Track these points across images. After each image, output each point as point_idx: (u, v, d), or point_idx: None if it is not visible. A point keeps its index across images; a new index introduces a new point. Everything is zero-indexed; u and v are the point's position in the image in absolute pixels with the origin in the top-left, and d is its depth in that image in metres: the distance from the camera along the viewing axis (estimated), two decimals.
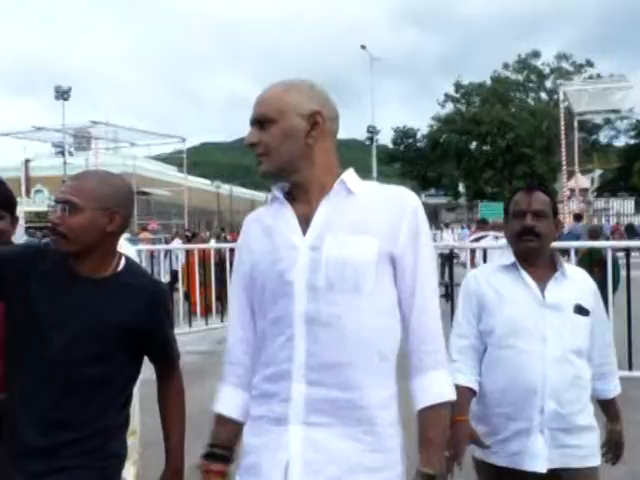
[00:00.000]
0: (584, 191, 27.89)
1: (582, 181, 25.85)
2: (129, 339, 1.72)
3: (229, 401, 1.50)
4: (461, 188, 43.82)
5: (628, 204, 33.92)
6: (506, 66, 45.83)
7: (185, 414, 1.90)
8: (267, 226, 1.46)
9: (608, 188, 41.32)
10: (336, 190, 1.40)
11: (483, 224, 11.24)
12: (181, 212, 29.76)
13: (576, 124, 21.05)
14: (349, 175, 1.43)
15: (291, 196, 1.46)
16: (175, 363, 1.89)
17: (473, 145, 42.72)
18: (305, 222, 1.40)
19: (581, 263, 6.23)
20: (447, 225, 17.76)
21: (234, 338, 1.52)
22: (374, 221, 1.37)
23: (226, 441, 1.47)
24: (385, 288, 1.38)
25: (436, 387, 1.38)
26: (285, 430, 1.35)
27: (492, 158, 40.86)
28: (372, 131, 28.82)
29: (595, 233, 8.05)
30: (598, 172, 42.54)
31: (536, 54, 45.52)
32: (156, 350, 1.84)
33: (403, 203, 1.40)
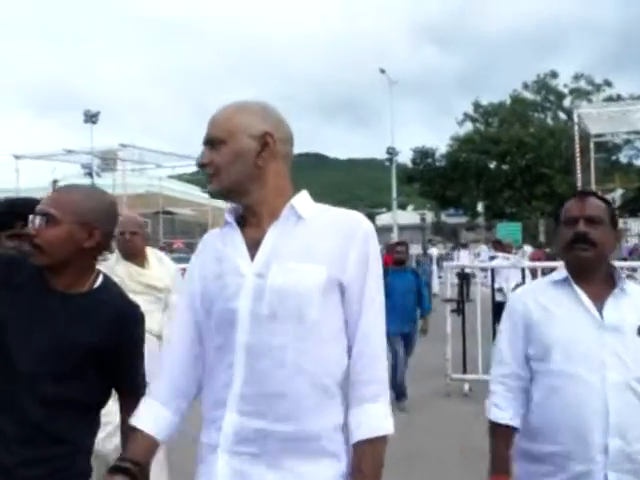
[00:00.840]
0: None
1: None
2: (97, 359, 1.64)
3: (148, 416, 1.45)
4: (480, 208, 43.91)
5: None
6: (525, 86, 46.08)
7: None
8: (217, 250, 1.44)
9: (629, 207, 41.16)
10: (285, 215, 1.38)
11: (498, 244, 11.81)
12: (205, 231, 30.44)
13: (592, 145, 21.29)
14: (299, 199, 1.41)
15: (243, 219, 1.45)
16: (140, 396, 1.65)
17: (492, 165, 42.88)
18: (255, 247, 1.38)
19: None
20: (464, 245, 18.03)
21: (173, 356, 1.47)
22: (322, 248, 1.35)
23: (136, 456, 1.40)
24: (331, 316, 1.35)
25: (373, 421, 1.34)
26: (215, 458, 1.34)
27: (511, 178, 40.98)
28: (391, 153, 29.31)
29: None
30: (620, 192, 42.38)
31: (554, 74, 45.73)
32: (123, 375, 1.72)
33: (353, 229, 1.38)
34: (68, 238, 1.58)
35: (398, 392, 6.06)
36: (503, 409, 1.84)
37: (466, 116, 45.84)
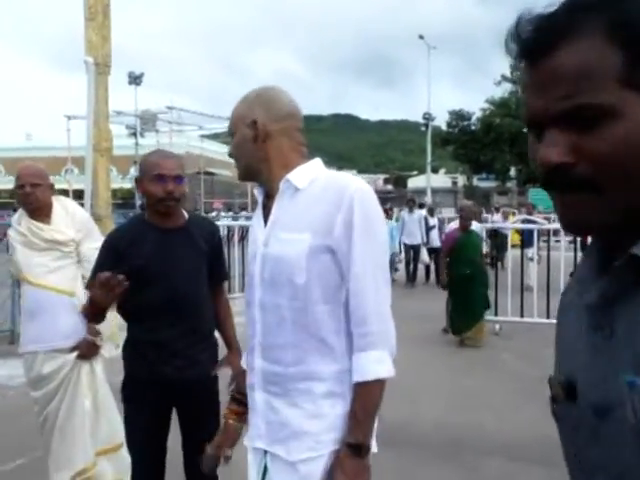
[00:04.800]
0: None
1: None
2: (206, 262, 2.36)
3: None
4: (512, 172, 43.98)
5: None
6: None
7: (231, 314, 2.53)
8: (253, 220, 1.69)
9: None
10: (283, 189, 1.54)
11: (532, 209, 13.39)
12: (243, 192, 31.53)
13: None
14: (296, 172, 1.54)
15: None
16: (223, 281, 2.54)
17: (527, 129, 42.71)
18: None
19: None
20: (497, 209, 18.93)
21: None
22: (310, 216, 1.48)
23: (244, 389, 1.70)
24: (320, 277, 1.48)
25: (364, 366, 1.48)
26: (254, 395, 1.60)
27: None
28: (428, 118, 29.69)
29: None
30: None
31: None
32: (215, 268, 2.42)
33: (341, 195, 1.46)
34: (185, 191, 2.33)
35: None
36: None
37: (504, 78, 45.51)
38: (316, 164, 1.59)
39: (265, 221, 1.58)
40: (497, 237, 11.56)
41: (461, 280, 7.09)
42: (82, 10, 7.05)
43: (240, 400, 1.78)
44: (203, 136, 36.73)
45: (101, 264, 2.31)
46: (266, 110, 1.56)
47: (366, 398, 1.49)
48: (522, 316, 7.71)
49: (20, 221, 3.00)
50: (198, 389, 2.37)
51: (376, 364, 1.47)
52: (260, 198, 1.64)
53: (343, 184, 1.49)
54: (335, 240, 1.46)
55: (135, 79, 32.84)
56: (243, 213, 19.19)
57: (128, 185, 29.82)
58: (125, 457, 2.90)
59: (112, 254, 2.30)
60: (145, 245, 2.27)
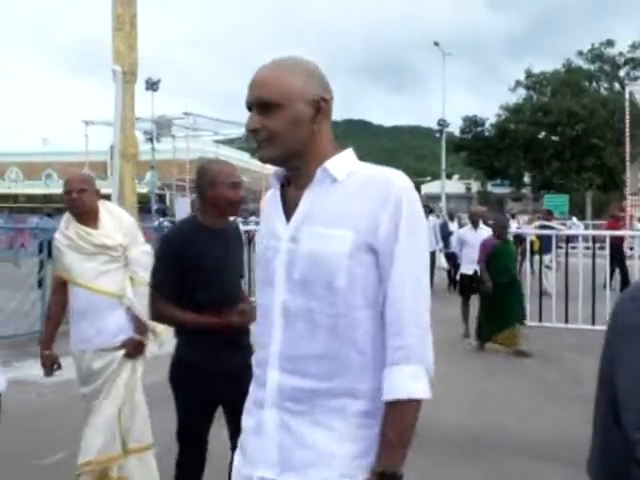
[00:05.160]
0: None
1: None
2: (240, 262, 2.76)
3: None
4: (526, 178, 43.79)
5: None
6: (580, 53, 45.31)
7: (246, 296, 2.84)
8: (266, 212, 1.50)
9: None
10: (319, 179, 1.36)
11: (548, 215, 13.27)
12: (257, 197, 31.75)
13: None
14: (334, 161, 1.38)
15: (289, 181, 1.44)
16: (241, 277, 2.88)
17: (541, 135, 42.62)
18: (294, 210, 1.38)
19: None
20: (513, 216, 18.90)
21: None
22: (353, 212, 1.33)
23: None
24: (361, 280, 1.33)
25: (396, 382, 1.30)
26: (262, 414, 1.38)
27: (560, 149, 40.81)
28: (442, 124, 29.75)
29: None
30: None
31: (610, 43, 44.83)
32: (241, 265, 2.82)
33: (386, 191, 1.32)
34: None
35: None
36: None
37: (518, 83, 45.42)
38: (351, 155, 1.43)
39: (285, 213, 1.41)
40: (521, 243, 11.65)
41: (500, 288, 7.06)
42: (110, 20, 7.25)
43: None
44: (218, 141, 37.01)
45: (159, 263, 2.59)
46: (325, 87, 1.40)
47: (398, 420, 1.30)
48: (541, 321, 7.80)
49: (68, 225, 3.11)
50: (245, 377, 2.50)
51: (410, 381, 1.30)
52: (277, 186, 1.46)
53: (386, 180, 1.35)
54: (379, 240, 1.31)
55: (152, 85, 33.18)
56: (252, 218, 19.43)
57: (144, 189, 30.11)
58: (151, 460, 3.10)
59: (170, 253, 2.53)
60: (199, 244, 2.52)
